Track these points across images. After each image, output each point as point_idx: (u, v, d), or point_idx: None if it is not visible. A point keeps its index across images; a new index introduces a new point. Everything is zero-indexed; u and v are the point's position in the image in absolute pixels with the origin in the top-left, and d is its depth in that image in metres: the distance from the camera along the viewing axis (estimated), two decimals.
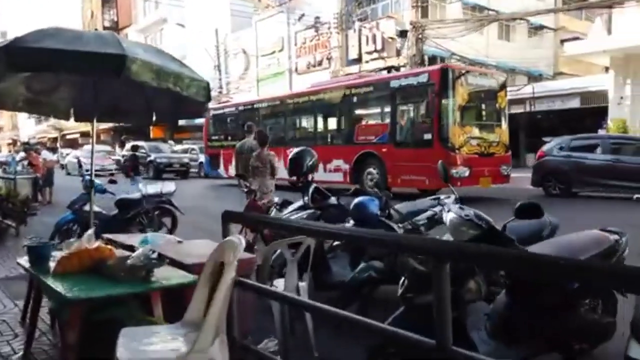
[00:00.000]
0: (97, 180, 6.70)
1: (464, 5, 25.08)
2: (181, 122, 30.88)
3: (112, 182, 7.43)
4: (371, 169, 12.52)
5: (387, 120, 12.25)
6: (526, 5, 23.96)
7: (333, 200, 4.85)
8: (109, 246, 3.37)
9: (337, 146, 13.63)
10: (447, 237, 2.93)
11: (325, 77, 24.11)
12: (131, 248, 3.49)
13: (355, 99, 13.18)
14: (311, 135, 14.82)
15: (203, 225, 8.15)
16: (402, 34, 23.24)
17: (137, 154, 13.81)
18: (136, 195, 7.35)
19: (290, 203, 5.54)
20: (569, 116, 21.12)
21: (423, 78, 11.39)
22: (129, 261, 3.00)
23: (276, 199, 6.23)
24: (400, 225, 4.17)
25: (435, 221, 4.30)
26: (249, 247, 4.83)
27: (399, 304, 2.66)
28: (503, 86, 12.06)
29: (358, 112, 13.61)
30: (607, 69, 24.84)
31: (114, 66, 3.54)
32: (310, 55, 26.61)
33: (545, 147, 12.47)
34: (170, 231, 7.31)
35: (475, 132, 11.38)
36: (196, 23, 31.17)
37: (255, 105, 17.30)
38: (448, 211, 2.90)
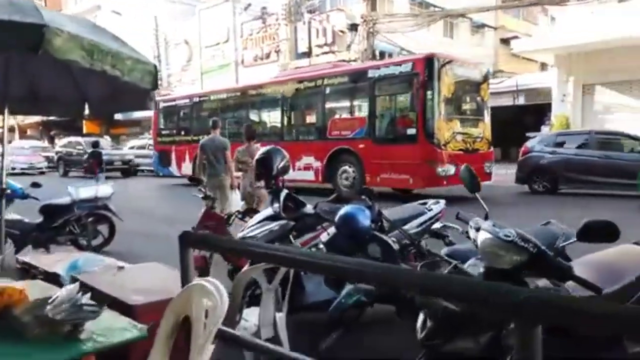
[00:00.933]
0: (14, 183, 5.73)
1: (411, 2, 24.46)
2: (117, 116, 28.45)
3: (36, 185, 6.10)
4: (346, 167, 11.22)
5: (365, 114, 11.00)
6: (469, 3, 23.85)
7: (309, 208, 3.71)
8: (20, 286, 2.13)
9: (308, 142, 12.22)
10: (474, 263, 2.27)
11: (273, 70, 22.78)
12: (55, 278, 2.72)
13: (328, 90, 11.79)
14: (278, 129, 13.24)
15: (148, 232, 7.31)
16: (353, 27, 22.25)
17: (99, 150, 12.67)
18: (65, 200, 6.27)
19: (255, 211, 4.50)
20: (515, 112, 21.14)
21: (406, 67, 10.19)
22: (47, 310, 1.90)
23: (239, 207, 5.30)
24: (394, 239, 3.22)
25: (426, 231, 3.78)
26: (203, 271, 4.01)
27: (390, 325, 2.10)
28: (486, 77, 11.14)
29: (332, 104, 12.23)
30: (543, 66, 25.29)
31: (30, 39, 2.65)
32: (257, 48, 24.89)
33: (529, 143, 11.75)
34: (107, 241, 6.58)
35: (461, 126, 10.38)
36: (133, 11, 28.48)
37: (213, 97, 15.34)
38: (478, 229, 2.16)
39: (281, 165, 3.86)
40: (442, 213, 4.00)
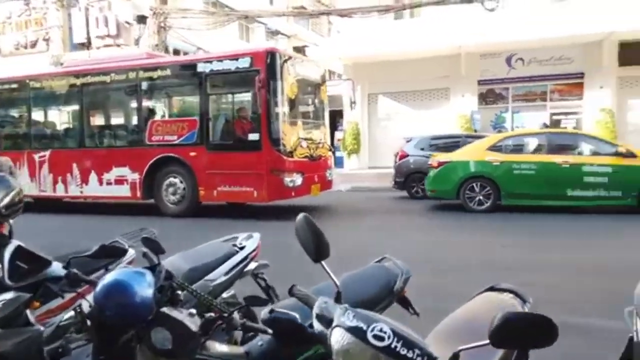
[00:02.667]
0: None
1: (205, 1, 22.52)
2: None
3: None
4: (173, 179, 8.86)
5: (196, 115, 8.79)
6: (263, 7, 23.25)
7: (56, 268, 2.09)
8: None
9: (120, 148, 9.36)
10: None
11: (43, 61, 18.20)
12: None
13: (145, 86, 9.09)
14: (76, 133, 9.89)
15: None
16: (141, 19, 19.20)
17: None
18: None
19: None
20: None
21: (244, 62, 8.37)
22: None
23: None
24: (193, 311, 1.64)
25: (238, 277, 2.61)
26: None
27: None
28: (324, 78, 10.06)
29: (151, 102, 9.57)
30: (330, 73, 26.32)
31: None
32: (19, 34, 19.55)
33: (405, 147, 11.07)
34: None
35: (305, 131, 9.09)
36: None
37: None
38: (334, 327, 1.24)
39: (3, 203, 2.15)
40: (258, 250, 2.84)
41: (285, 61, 8.37)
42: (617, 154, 8.34)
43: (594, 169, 8.37)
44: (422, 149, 11.13)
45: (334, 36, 19.47)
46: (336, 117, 19.72)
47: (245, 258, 2.66)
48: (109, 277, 1.53)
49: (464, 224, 8.16)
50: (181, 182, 8.81)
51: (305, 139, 8.94)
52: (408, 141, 11.77)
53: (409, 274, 2.22)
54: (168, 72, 9.00)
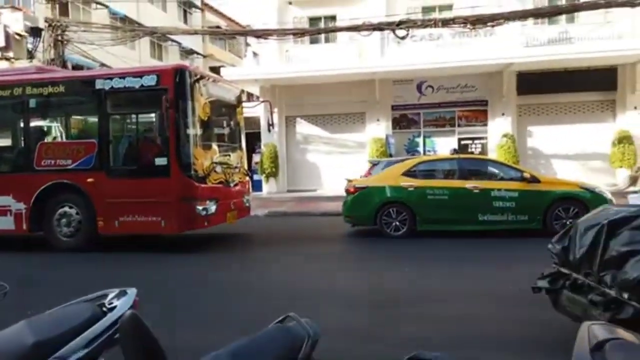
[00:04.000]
0: None
1: (112, 15, 21.23)
2: None
3: None
4: (67, 209, 7.86)
5: (95, 138, 7.88)
6: (175, 25, 22.39)
7: None
8: None
9: (2, 175, 8.16)
10: None
11: None
12: None
13: (33, 103, 8.01)
14: None
15: None
16: (36, 32, 17.60)
17: None
18: None
19: None
20: None
21: (150, 80, 7.66)
22: None
23: None
24: None
25: (105, 347, 2.05)
26: None
27: None
28: (240, 100, 9.57)
29: (40, 122, 8.47)
30: (249, 95, 25.86)
31: None
32: None
33: (373, 171, 10.60)
34: None
35: (220, 155, 8.52)
36: None
37: None
38: None
39: None
40: (135, 309, 2.32)
41: (197, 80, 7.81)
42: (523, 179, 8.70)
43: (502, 194, 8.64)
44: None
45: (250, 58, 19.09)
46: (254, 140, 19.26)
47: (116, 322, 2.08)
48: None
49: (380, 252, 8.01)
50: (77, 212, 7.85)
51: (220, 164, 8.38)
52: (375, 164, 11.45)
53: (317, 336, 1.85)
54: (62, 88, 8.02)
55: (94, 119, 8.06)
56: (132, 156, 7.87)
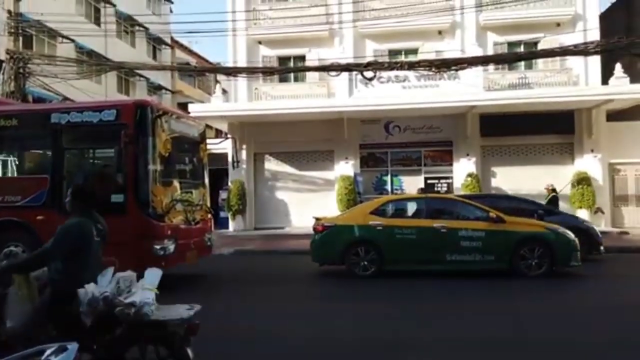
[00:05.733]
0: None
1: (79, 50, 20.85)
2: None
3: None
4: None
5: (47, 173, 7.40)
6: (142, 60, 22.18)
7: None
8: None
9: None
10: None
11: None
12: None
13: None
14: None
15: None
16: None
17: None
18: None
19: None
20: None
21: (109, 115, 7.33)
22: None
23: None
24: None
25: None
26: None
27: None
28: (204, 136, 9.27)
29: None
30: (218, 133, 25.60)
31: None
32: None
33: None
34: None
35: (180, 192, 8.13)
36: None
37: None
38: None
39: None
40: None
41: (159, 116, 7.50)
42: (489, 219, 8.63)
43: (469, 234, 8.54)
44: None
45: (219, 94, 18.95)
46: (222, 176, 18.88)
47: None
48: None
49: (348, 293, 7.69)
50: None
51: (181, 201, 8.00)
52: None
53: None
54: (15, 122, 7.57)
55: (48, 154, 7.61)
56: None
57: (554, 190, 13.53)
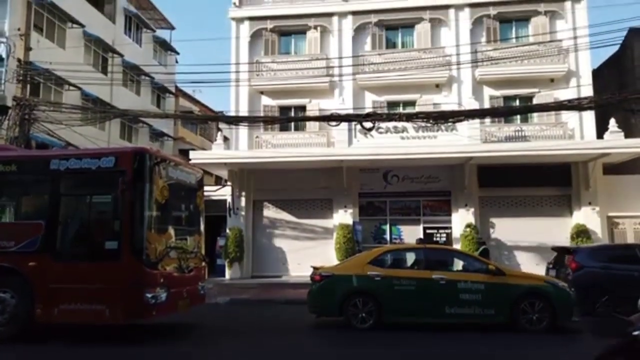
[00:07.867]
0: None
1: (85, 97, 21.23)
2: None
3: None
4: (2, 294, 7.07)
5: (43, 219, 7.32)
6: (145, 107, 22.51)
7: None
8: None
9: None
10: None
11: None
12: None
13: None
14: None
15: None
16: (1, 110, 17.31)
17: None
18: None
19: None
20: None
21: (107, 162, 7.34)
22: None
23: None
24: None
25: None
26: None
27: None
28: (201, 183, 9.23)
29: None
30: (217, 179, 25.65)
31: None
32: None
33: (578, 257, 9.95)
34: None
35: (175, 240, 8.00)
36: None
37: None
38: None
39: None
40: None
41: (157, 163, 7.50)
42: (488, 272, 8.45)
43: (468, 286, 8.34)
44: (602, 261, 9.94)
45: (220, 142, 19.10)
46: (221, 223, 18.73)
47: None
48: None
49: (346, 348, 7.37)
50: (12, 298, 7.07)
51: (175, 248, 7.86)
52: (574, 251, 10.48)
53: None
54: (13, 167, 7.59)
55: (45, 200, 7.57)
56: (82, 239, 7.32)
57: (483, 243, 13.73)
